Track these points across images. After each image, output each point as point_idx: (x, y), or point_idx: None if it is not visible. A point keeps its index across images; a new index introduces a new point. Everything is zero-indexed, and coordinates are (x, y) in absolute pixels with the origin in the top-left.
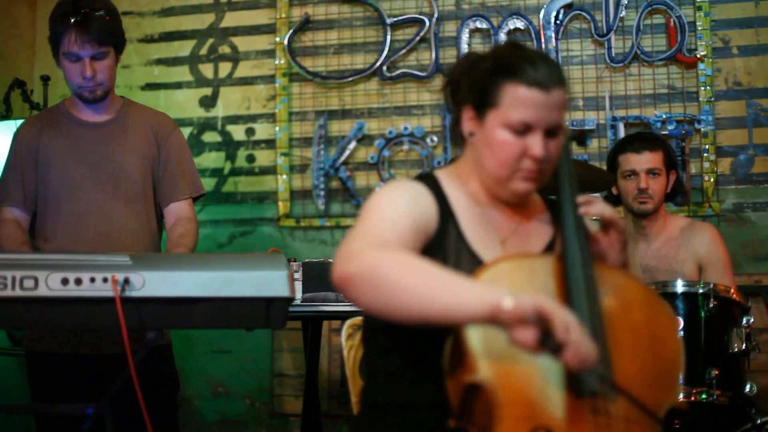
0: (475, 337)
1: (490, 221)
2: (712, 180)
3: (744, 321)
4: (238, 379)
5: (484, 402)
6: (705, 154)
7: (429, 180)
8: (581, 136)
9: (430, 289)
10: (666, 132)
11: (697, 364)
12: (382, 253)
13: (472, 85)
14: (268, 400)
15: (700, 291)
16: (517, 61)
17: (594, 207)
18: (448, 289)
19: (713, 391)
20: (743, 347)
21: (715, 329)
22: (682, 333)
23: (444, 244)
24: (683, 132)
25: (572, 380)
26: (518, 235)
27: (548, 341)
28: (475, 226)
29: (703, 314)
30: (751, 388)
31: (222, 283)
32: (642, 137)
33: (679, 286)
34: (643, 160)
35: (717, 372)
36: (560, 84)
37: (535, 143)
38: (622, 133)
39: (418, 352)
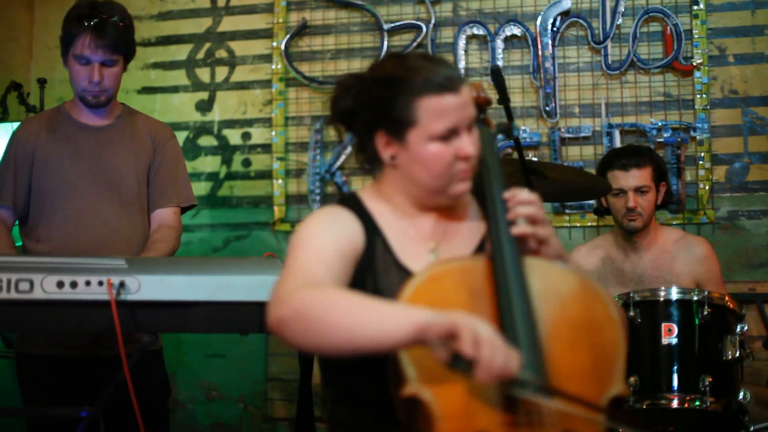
0: (405, 352)
1: (418, 232)
2: (707, 188)
3: (738, 329)
4: (232, 383)
5: (423, 414)
6: (700, 162)
7: (352, 201)
8: (508, 129)
9: (353, 322)
10: (662, 139)
11: (691, 371)
12: (309, 292)
13: (378, 112)
14: (261, 405)
15: (695, 298)
16: (414, 74)
17: (521, 207)
18: (370, 320)
19: (707, 399)
20: (737, 355)
21: (709, 336)
22: (676, 340)
23: (373, 261)
24: (679, 140)
25: (506, 386)
26: (448, 239)
27: (457, 359)
28: (402, 239)
29: (697, 321)
30: (744, 395)
31: (217, 287)
32: (630, 152)
33: (674, 294)
34: (630, 179)
35: (711, 379)
36: (463, 79)
37: (465, 143)
38: (617, 141)
39: (369, 369)
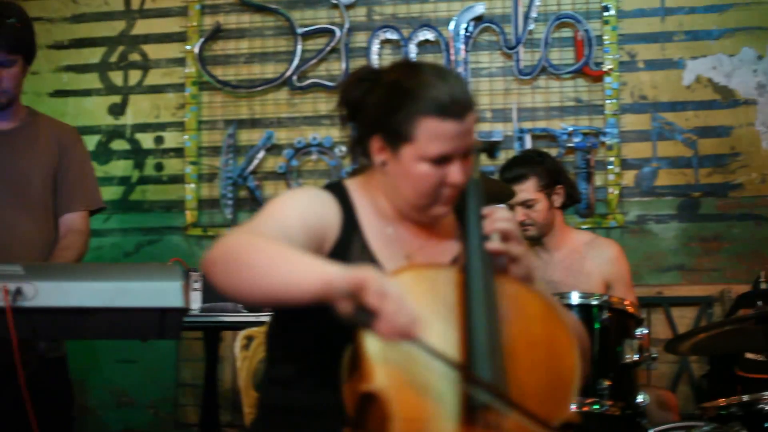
0: (373, 346)
1: (397, 237)
2: (616, 192)
3: (638, 332)
4: (143, 388)
5: (377, 412)
6: (610, 167)
7: (337, 189)
8: (491, 148)
9: (269, 267)
10: (572, 144)
11: (590, 375)
12: (242, 237)
13: (379, 117)
14: (171, 410)
15: (594, 303)
16: (422, 90)
17: (497, 223)
18: (285, 267)
19: (605, 402)
20: (635, 358)
21: (609, 340)
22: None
23: (348, 254)
24: (589, 144)
25: (465, 395)
26: (425, 251)
27: (360, 311)
28: (381, 239)
29: (597, 325)
30: (643, 398)
31: (115, 293)
32: (512, 166)
33: (575, 298)
34: (516, 198)
35: (609, 383)
36: (472, 107)
37: (455, 171)
38: (528, 145)
39: (317, 358)
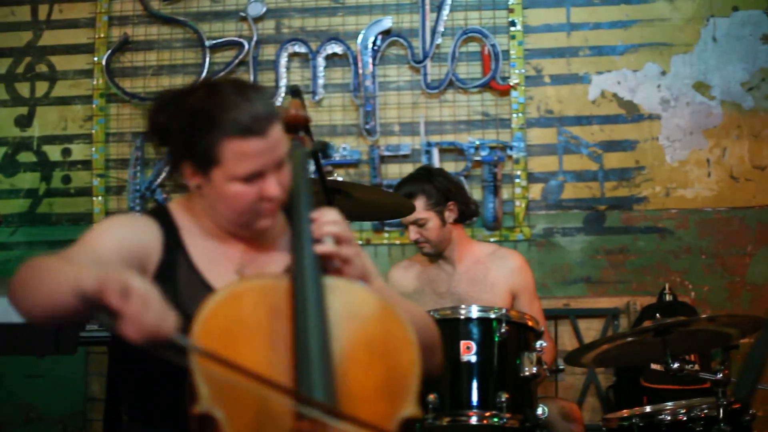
0: (199, 367)
1: (226, 254)
2: (523, 205)
3: (537, 345)
4: (52, 403)
5: None
6: (516, 180)
7: (159, 212)
8: (323, 149)
9: (49, 281)
10: (479, 158)
11: (489, 388)
12: (38, 260)
13: (185, 143)
14: (80, 425)
15: (493, 316)
16: (221, 113)
17: (325, 226)
18: (60, 277)
19: (504, 415)
20: (534, 371)
21: (508, 354)
22: (475, 357)
23: (174, 275)
24: (496, 158)
25: (295, 407)
26: (258, 263)
27: (105, 313)
28: (208, 258)
29: (496, 339)
30: (543, 410)
31: (8, 308)
32: (400, 185)
33: (474, 312)
34: (407, 217)
35: (507, 395)
36: (274, 119)
37: (269, 185)
38: (436, 159)
39: (167, 386)
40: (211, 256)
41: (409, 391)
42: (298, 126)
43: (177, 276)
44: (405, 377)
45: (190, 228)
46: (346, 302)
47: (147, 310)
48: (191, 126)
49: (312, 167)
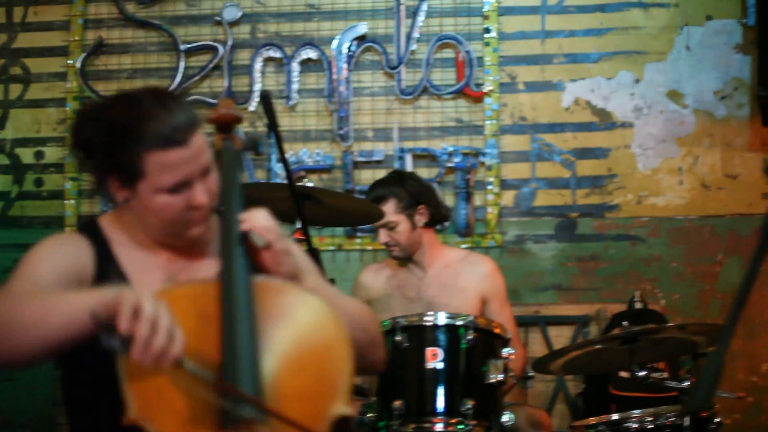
0: (126, 374)
1: (157, 261)
2: (495, 212)
3: (504, 352)
4: (20, 407)
5: None
6: (489, 187)
7: (89, 228)
8: (255, 145)
9: (40, 317)
10: (452, 164)
11: (455, 395)
12: (2, 303)
13: (108, 158)
14: (49, 430)
15: (460, 323)
16: (140, 126)
17: (255, 223)
18: (52, 309)
19: (469, 422)
20: (500, 378)
21: (474, 361)
22: (441, 364)
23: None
24: (469, 165)
25: (226, 411)
26: (189, 271)
27: (113, 337)
28: (139, 268)
29: (463, 345)
30: (509, 417)
31: None
32: (371, 189)
33: (441, 318)
34: (379, 221)
35: (473, 402)
36: (195, 127)
37: (197, 194)
38: (409, 165)
39: (111, 401)
40: (142, 267)
41: (340, 390)
42: (228, 125)
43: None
44: (336, 377)
45: (121, 240)
46: (276, 302)
47: (157, 334)
48: (113, 140)
49: (282, 172)
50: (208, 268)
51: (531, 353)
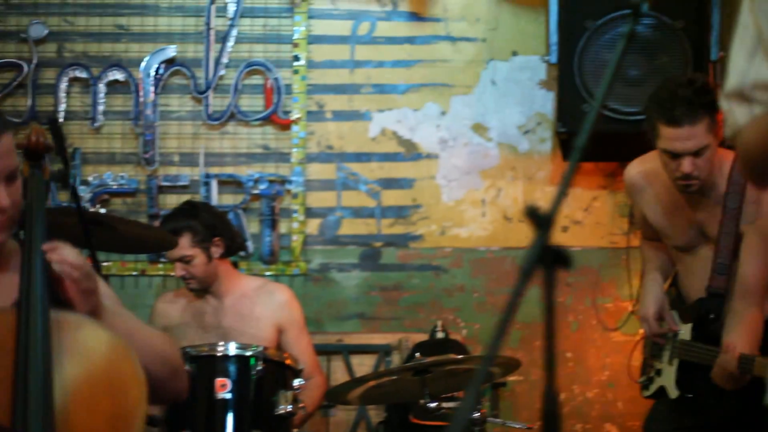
0: None
1: None
2: (300, 240)
3: (296, 383)
4: None
5: None
6: (294, 215)
7: None
8: (64, 177)
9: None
10: (258, 191)
11: (244, 426)
12: None
13: None
14: None
15: (249, 353)
16: None
17: (59, 254)
18: None
19: None
20: (289, 409)
21: (264, 391)
22: (230, 395)
23: None
24: (274, 192)
25: None
26: None
27: None
28: None
29: (253, 376)
30: None
31: None
32: (166, 221)
33: (231, 349)
34: (173, 254)
35: None
36: (2, 131)
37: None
38: (214, 191)
39: None
40: None
41: (134, 427)
42: (38, 153)
43: None
44: (130, 414)
45: None
46: (75, 338)
47: None
48: None
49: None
50: (9, 289)
51: (334, 381)
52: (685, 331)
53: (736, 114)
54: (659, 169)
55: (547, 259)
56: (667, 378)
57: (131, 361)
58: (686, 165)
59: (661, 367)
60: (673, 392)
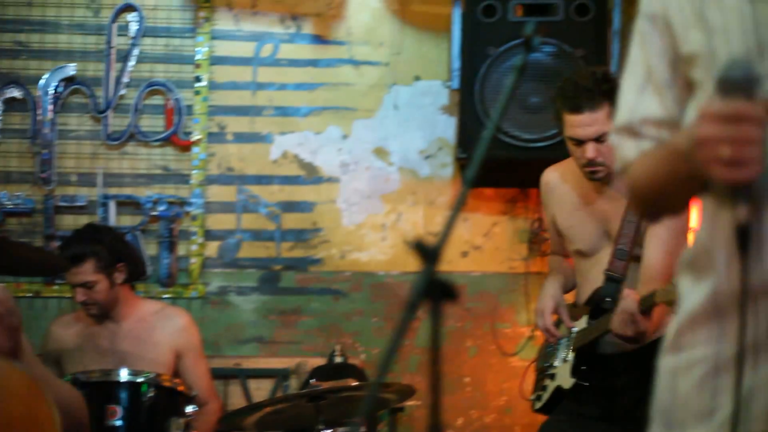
0: None
1: None
2: (198, 262)
3: (188, 409)
4: None
5: None
6: (193, 237)
7: None
8: None
9: None
10: (156, 213)
11: None
12: None
13: None
14: None
15: (141, 380)
16: None
17: None
18: None
19: None
20: None
21: (155, 418)
22: (121, 422)
23: None
24: (173, 214)
25: None
26: None
27: None
28: None
29: (144, 403)
30: None
31: None
32: (68, 245)
33: (123, 375)
34: (74, 277)
35: None
36: None
37: None
38: (112, 212)
39: None
40: None
41: None
42: None
43: None
44: None
45: None
46: None
47: None
48: None
49: None
50: None
51: (231, 406)
52: (580, 325)
53: (624, 149)
54: (574, 168)
55: (434, 293)
56: (562, 375)
57: (47, 404)
58: (590, 150)
59: (555, 371)
60: (568, 382)
